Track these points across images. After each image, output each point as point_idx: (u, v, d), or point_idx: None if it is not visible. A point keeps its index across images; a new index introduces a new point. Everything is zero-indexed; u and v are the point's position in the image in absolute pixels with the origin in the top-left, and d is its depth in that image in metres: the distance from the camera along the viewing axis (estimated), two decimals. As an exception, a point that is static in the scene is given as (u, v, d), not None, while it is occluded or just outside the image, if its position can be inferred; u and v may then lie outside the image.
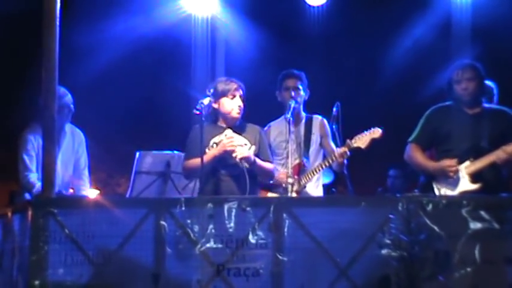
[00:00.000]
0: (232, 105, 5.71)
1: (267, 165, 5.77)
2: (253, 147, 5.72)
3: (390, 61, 8.77)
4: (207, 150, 5.64)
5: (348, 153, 6.20)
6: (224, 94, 5.70)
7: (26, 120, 6.55)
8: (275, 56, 8.60)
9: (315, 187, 6.50)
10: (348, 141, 6.20)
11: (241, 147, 5.63)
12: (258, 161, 5.68)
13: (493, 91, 6.40)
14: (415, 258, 4.67)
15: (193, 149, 5.65)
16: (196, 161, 5.55)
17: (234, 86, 5.72)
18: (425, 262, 4.68)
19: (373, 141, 6.13)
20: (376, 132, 6.16)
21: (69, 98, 6.42)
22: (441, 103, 6.00)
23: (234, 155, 5.56)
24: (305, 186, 6.39)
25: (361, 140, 6.17)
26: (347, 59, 8.86)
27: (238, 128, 5.77)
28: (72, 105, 6.46)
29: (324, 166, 6.35)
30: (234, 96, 5.71)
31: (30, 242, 4.77)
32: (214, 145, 5.66)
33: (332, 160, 6.27)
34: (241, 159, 5.56)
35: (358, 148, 6.17)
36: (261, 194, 6.31)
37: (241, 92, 5.74)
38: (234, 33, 8.17)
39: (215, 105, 5.69)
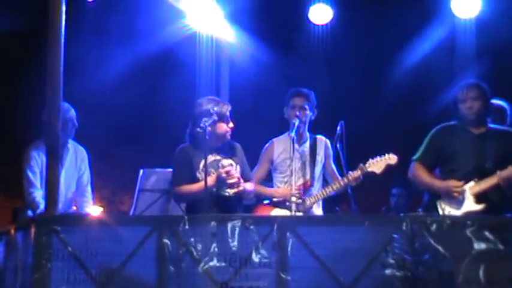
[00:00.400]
0: (226, 129, 5.71)
1: (250, 187, 5.81)
2: (238, 167, 5.74)
3: (395, 79, 8.77)
4: (197, 174, 5.61)
5: (361, 177, 6.19)
6: (221, 118, 5.67)
7: (29, 136, 6.54)
8: (279, 74, 8.61)
9: (317, 206, 6.47)
10: (361, 165, 6.18)
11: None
12: (246, 188, 5.70)
13: (506, 112, 6.38)
14: (419, 279, 4.65)
15: (183, 174, 5.64)
16: (189, 188, 5.57)
17: (228, 108, 5.73)
18: (429, 282, 4.66)
19: (388, 167, 6.12)
20: (393, 158, 6.15)
21: (72, 113, 6.42)
22: (446, 122, 5.98)
23: (228, 190, 5.57)
24: (311, 207, 6.34)
25: (376, 166, 6.15)
26: (351, 78, 8.86)
27: (226, 148, 5.76)
28: (75, 120, 6.46)
29: (334, 189, 6.30)
30: (229, 120, 5.72)
31: (33, 259, 4.74)
32: (211, 170, 5.58)
33: (344, 183, 6.23)
34: (235, 193, 5.59)
35: (373, 173, 6.16)
36: (264, 209, 6.31)
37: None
38: (239, 51, 8.19)
39: (209, 128, 5.54)
